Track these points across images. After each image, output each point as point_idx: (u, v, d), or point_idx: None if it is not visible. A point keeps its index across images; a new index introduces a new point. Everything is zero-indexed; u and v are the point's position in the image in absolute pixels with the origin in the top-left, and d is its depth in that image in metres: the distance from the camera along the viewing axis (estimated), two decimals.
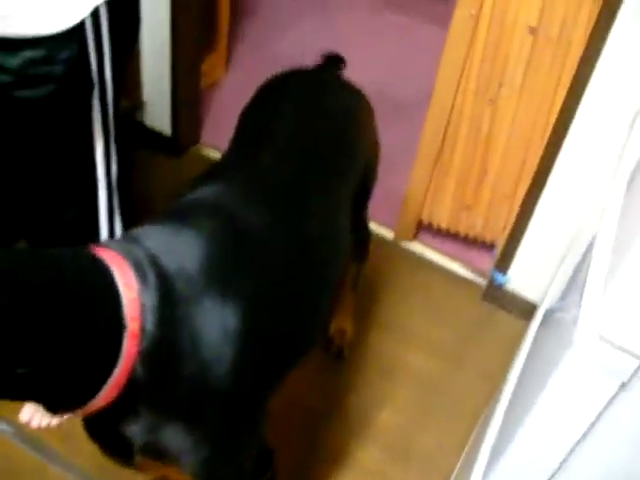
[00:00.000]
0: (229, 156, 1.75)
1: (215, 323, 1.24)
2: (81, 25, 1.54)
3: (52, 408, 1.16)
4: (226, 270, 1.30)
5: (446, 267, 2.80)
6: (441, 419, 2.35)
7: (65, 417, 2.22)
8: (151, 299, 1.16)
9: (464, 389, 2.43)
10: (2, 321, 0.99)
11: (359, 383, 2.42)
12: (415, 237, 2.85)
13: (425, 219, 2.78)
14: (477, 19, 2.29)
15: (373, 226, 2.75)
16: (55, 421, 2.25)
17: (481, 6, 2.26)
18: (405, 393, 2.40)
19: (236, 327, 1.27)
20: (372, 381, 2.42)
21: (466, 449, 2.20)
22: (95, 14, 1.55)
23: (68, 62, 1.55)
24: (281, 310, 1.41)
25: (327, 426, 2.29)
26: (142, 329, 1.14)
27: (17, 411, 2.26)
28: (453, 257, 2.82)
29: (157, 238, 1.27)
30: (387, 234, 2.86)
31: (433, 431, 2.32)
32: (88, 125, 1.68)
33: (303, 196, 1.57)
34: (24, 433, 2.22)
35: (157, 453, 1.30)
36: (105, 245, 1.22)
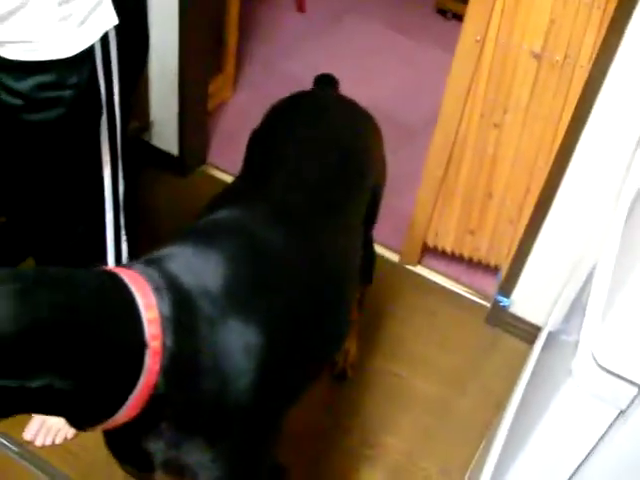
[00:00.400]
0: (243, 179, 1.79)
1: (237, 341, 1.27)
2: (90, 50, 1.55)
3: (76, 423, 1.19)
4: (248, 290, 1.33)
5: (450, 290, 2.81)
6: (444, 444, 2.35)
7: (69, 435, 2.25)
8: (172, 317, 1.19)
9: (468, 413, 2.43)
10: (33, 341, 1.02)
11: (363, 405, 2.42)
12: (420, 260, 2.86)
13: (430, 242, 2.79)
14: (482, 44, 2.31)
15: (378, 249, 2.75)
16: (59, 439, 2.27)
17: (486, 31, 2.28)
18: (409, 417, 2.40)
19: (257, 345, 1.29)
20: (376, 404, 2.42)
21: (468, 473, 2.21)
22: (104, 38, 1.57)
23: (77, 86, 1.57)
24: (301, 329, 1.44)
25: (330, 447, 2.29)
26: (163, 347, 1.17)
27: (21, 429, 2.28)
28: (457, 280, 2.83)
29: (180, 259, 1.30)
30: (392, 257, 2.87)
31: (436, 455, 2.31)
32: (97, 147, 1.70)
33: (317, 218, 1.61)
34: (27, 451, 2.22)
35: (177, 469, 1.32)
36: (127, 266, 1.25)
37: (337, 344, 1.73)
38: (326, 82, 2.14)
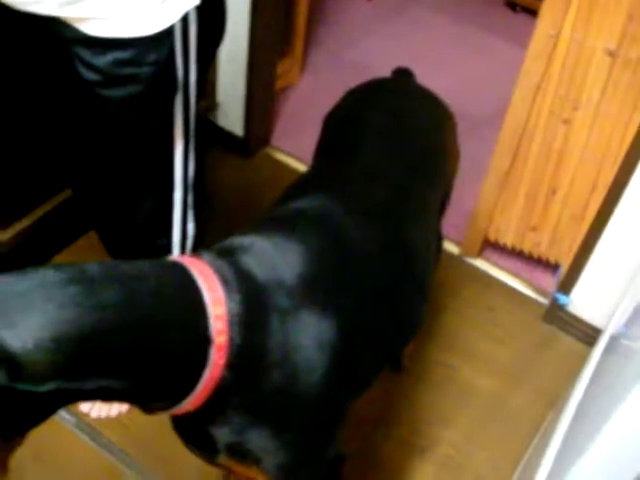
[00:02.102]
0: (321, 165, 1.77)
1: (311, 335, 1.27)
2: (170, 29, 1.56)
3: (145, 409, 1.20)
4: (327, 284, 1.32)
5: (509, 285, 2.79)
6: (495, 437, 2.34)
7: (123, 409, 2.28)
8: (239, 312, 1.18)
9: (519, 409, 2.42)
10: (95, 345, 1.03)
11: (417, 396, 2.42)
12: (480, 253, 2.85)
13: (491, 236, 2.77)
14: (556, 40, 2.28)
15: None
16: (114, 412, 2.30)
17: (561, 27, 2.26)
18: (461, 409, 2.40)
19: (331, 340, 1.29)
20: (430, 395, 2.42)
21: (519, 469, 2.20)
22: (184, 18, 1.58)
23: (155, 65, 1.58)
24: (376, 324, 1.43)
25: (382, 436, 2.30)
26: (230, 341, 1.17)
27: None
28: (516, 275, 2.81)
29: (256, 250, 1.29)
30: (453, 249, 2.86)
31: (487, 449, 2.31)
32: (170, 125, 1.71)
33: (399, 209, 1.59)
34: (84, 423, 2.27)
35: (240, 454, 1.33)
36: (198, 257, 1.24)
37: (410, 337, 1.72)
38: (404, 75, 2.11)
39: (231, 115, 3.09)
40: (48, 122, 1.93)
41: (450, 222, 2.70)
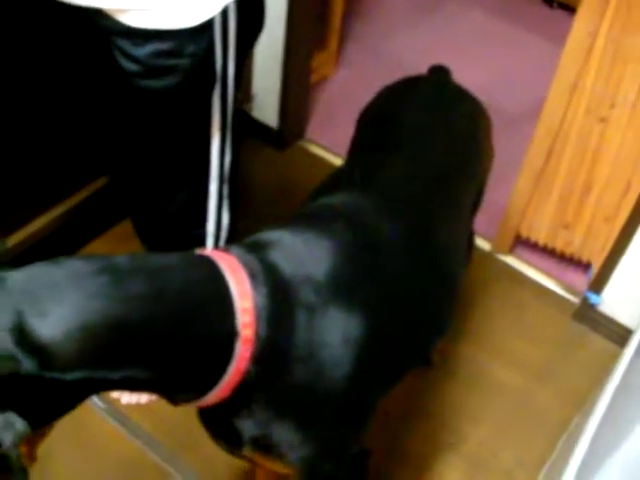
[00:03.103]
0: (355, 161, 1.77)
1: (337, 331, 1.27)
2: (210, 22, 1.58)
3: (171, 400, 1.22)
4: (355, 281, 1.32)
5: (540, 283, 2.79)
6: (522, 435, 2.34)
7: (153, 397, 2.31)
8: (266, 306, 1.19)
9: (547, 407, 2.42)
10: (122, 336, 1.05)
11: (445, 391, 2.43)
12: (512, 250, 2.85)
13: (523, 233, 2.77)
14: (594, 37, 2.27)
15: None
16: (143, 399, 2.32)
17: (599, 24, 2.25)
18: (488, 405, 2.40)
19: (358, 336, 1.29)
20: (456, 390, 2.43)
21: (545, 469, 2.20)
22: (224, 12, 1.59)
23: (194, 57, 1.59)
24: (404, 322, 1.43)
25: (409, 431, 2.30)
26: (256, 334, 1.18)
27: None
28: (547, 273, 2.80)
29: (287, 246, 1.30)
30: (484, 245, 2.86)
31: (513, 446, 2.31)
32: (207, 117, 1.73)
33: (431, 208, 1.59)
34: (114, 409, 2.29)
35: (265, 446, 1.34)
36: (227, 250, 1.25)
37: (439, 336, 1.71)
38: (440, 72, 2.11)
39: (266, 107, 3.10)
40: (88, 110, 1.96)
41: (482, 218, 2.70)
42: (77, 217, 2.55)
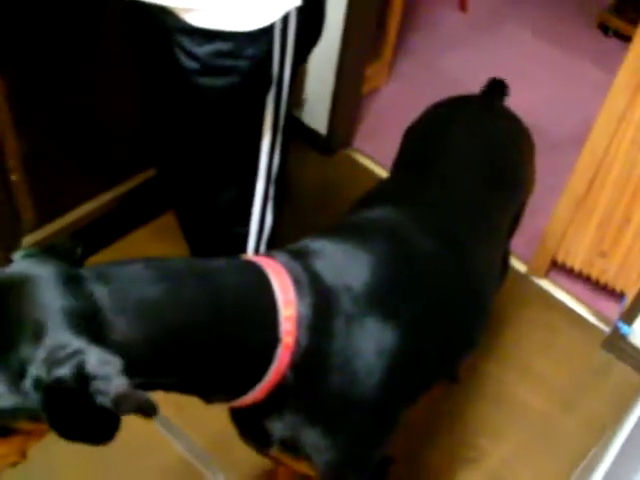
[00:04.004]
0: (398, 176, 1.82)
1: (372, 341, 1.30)
2: (271, 27, 1.62)
3: (206, 401, 1.25)
4: (392, 295, 1.36)
5: (572, 308, 2.80)
6: (542, 457, 2.36)
7: None
8: (308, 315, 1.23)
9: (569, 432, 2.43)
10: (172, 345, 1.08)
11: (467, 407, 2.45)
12: (547, 274, 2.87)
13: (559, 258, 2.79)
14: None
15: None
16: None
17: None
18: (511, 425, 2.43)
19: (392, 348, 1.33)
20: (480, 408, 2.46)
21: None
22: (285, 19, 1.63)
23: (253, 59, 1.64)
24: (436, 337, 1.46)
25: (430, 443, 2.33)
26: (296, 342, 1.21)
27: None
28: (580, 300, 2.82)
29: (327, 255, 1.33)
30: (520, 267, 2.88)
31: (533, 468, 2.33)
32: (260, 118, 1.77)
33: (471, 226, 1.63)
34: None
35: (293, 449, 1.38)
36: (273, 257, 1.29)
37: (468, 353, 1.74)
38: (497, 88, 2.14)
39: (316, 113, 3.15)
40: (146, 102, 2.01)
41: (520, 240, 2.72)
42: (124, 205, 2.61)
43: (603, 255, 2.68)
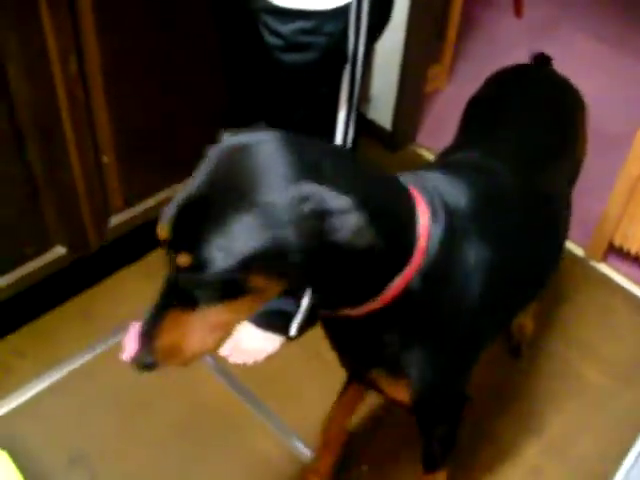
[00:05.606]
0: (467, 134, 2.00)
1: (472, 253, 1.44)
2: (347, 6, 1.78)
3: (331, 305, 1.35)
4: (485, 214, 1.49)
5: (629, 291, 2.89)
6: (602, 429, 2.44)
7: (258, 359, 2.48)
8: (437, 227, 1.36)
9: (629, 408, 2.51)
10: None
11: (529, 381, 2.55)
12: (604, 258, 2.96)
13: (617, 242, 2.88)
14: None
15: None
16: (250, 361, 2.51)
17: None
18: (571, 399, 2.51)
19: (486, 259, 1.46)
20: (540, 382, 2.55)
21: (626, 463, 2.27)
22: (360, 0, 1.79)
23: (331, 35, 1.80)
24: (520, 253, 1.59)
25: (493, 412, 2.44)
26: (427, 246, 1.34)
27: None
28: (638, 282, 2.91)
29: (438, 182, 1.47)
30: (578, 251, 2.99)
31: (593, 437, 2.41)
32: (336, 92, 1.93)
33: (538, 166, 1.79)
34: (222, 367, 2.49)
35: (394, 367, 1.49)
36: (406, 178, 1.42)
37: (546, 279, 1.89)
38: (542, 60, 2.31)
39: (382, 109, 3.31)
40: (228, 84, 2.18)
41: (579, 226, 2.83)
42: None
43: None
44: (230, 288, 1.14)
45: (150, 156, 2.52)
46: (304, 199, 1.11)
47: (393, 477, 2.26)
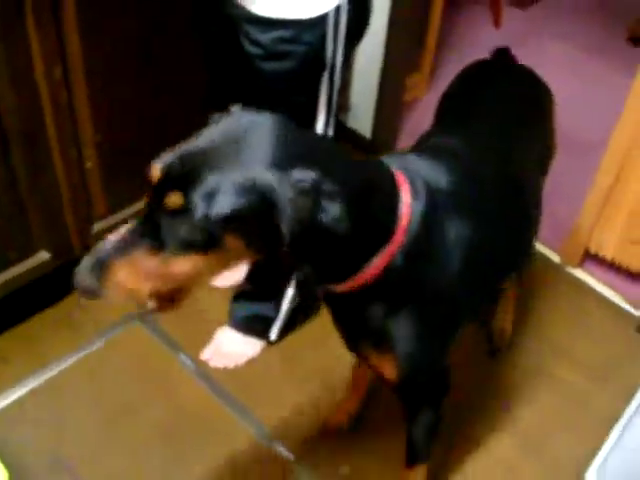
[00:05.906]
0: (442, 125, 2.07)
1: (452, 231, 1.51)
2: (325, 15, 1.83)
3: (320, 279, 1.44)
4: (465, 196, 1.56)
5: (605, 296, 2.93)
6: (576, 427, 2.49)
7: (240, 363, 2.51)
8: (418, 204, 1.44)
9: (601, 405, 2.56)
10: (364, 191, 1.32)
11: (505, 377, 2.61)
12: (580, 264, 3.00)
13: (592, 248, 2.92)
14: None
15: (541, 249, 3.00)
16: (231, 365, 2.54)
17: None
18: (545, 397, 2.56)
19: (466, 236, 1.53)
20: (515, 381, 2.60)
21: (598, 459, 2.32)
22: (338, 9, 1.84)
23: (310, 44, 1.85)
24: (496, 235, 1.66)
25: (464, 410, 2.47)
26: (409, 225, 1.41)
27: (199, 349, 2.57)
28: (613, 287, 2.95)
29: (420, 164, 1.55)
30: (555, 258, 3.03)
31: (567, 435, 2.46)
32: (315, 97, 1.97)
33: (511, 155, 1.85)
34: (203, 371, 2.52)
35: (380, 340, 1.58)
36: (388, 160, 1.50)
37: (521, 262, 2.01)
38: (502, 54, 2.43)
39: (361, 118, 3.36)
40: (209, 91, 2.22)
41: (553, 233, 2.89)
42: None
43: (635, 243, 2.80)
44: (204, 239, 1.20)
45: (134, 162, 2.49)
46: (301, 179, 1.19)
47: (374, 478, 2.30)
